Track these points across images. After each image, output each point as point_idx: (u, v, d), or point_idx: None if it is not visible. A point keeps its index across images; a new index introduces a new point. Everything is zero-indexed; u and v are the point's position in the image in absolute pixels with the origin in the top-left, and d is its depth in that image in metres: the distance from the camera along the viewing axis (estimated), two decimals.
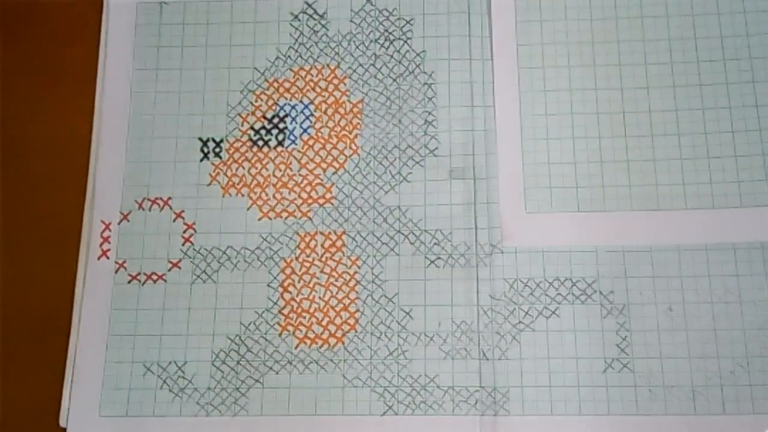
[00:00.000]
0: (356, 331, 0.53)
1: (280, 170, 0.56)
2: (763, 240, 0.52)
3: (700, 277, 0.52)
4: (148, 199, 0.56)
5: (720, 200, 0.53)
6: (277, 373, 0.53)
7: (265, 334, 0.53)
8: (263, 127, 0.57)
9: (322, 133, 0.57)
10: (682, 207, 0.53)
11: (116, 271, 0.55)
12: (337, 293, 0.54)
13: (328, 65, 0.58)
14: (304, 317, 0.54)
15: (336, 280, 0.54)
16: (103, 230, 0.56)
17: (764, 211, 0.53)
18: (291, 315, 0.54)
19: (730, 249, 0.53)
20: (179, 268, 0.55)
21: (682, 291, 0.52)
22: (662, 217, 0.53)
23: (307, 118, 0.57)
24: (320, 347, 0.53)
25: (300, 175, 0.56)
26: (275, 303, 0.54)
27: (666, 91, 0.55)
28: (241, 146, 0.57)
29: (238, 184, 0.56)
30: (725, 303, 0.52)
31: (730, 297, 0.52)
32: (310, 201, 0.56)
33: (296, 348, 0.53)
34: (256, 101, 0.57)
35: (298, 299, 0.54)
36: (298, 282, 0.54)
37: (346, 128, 0.57)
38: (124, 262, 0.55)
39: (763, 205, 0.53)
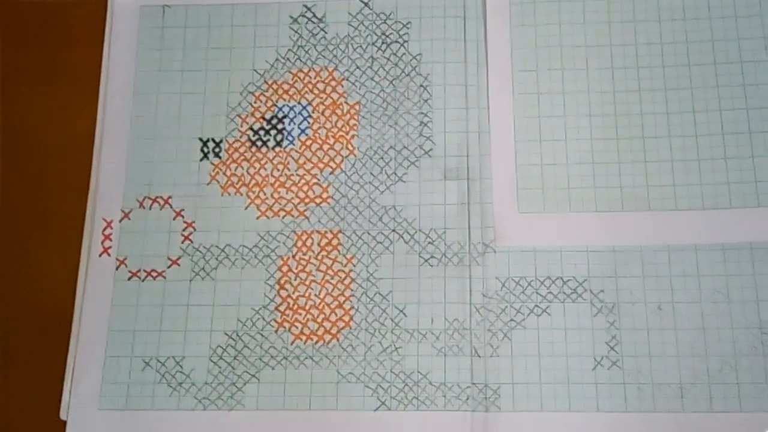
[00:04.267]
0: (351, 328, 0.54)
1: (278, 170, 0.57)
2: (752, 240, 0.53)
3: (690, 276, 0.53)
4: (149, 198, 0.57)
5: (710, 201, 0.54)
6: (272, 369, 0.54)
7: (262, 330, 0.54)
8: (262, 128, 0.58)
9: (319, 133, 0.58)
10: (673, 208, 0.54)
11: (117, 268, 0.56)
12: (332, 291, 0.55)
13: (326, 67, 0.59)
14: (300, 314, 0.55)
15: (331, 278, 0.55)
16: (105, 228, 0.57)
17: (753, 212, 0.54)
18: (287, 312, 0.55)
19: (720, 249, 0.53)
20: (178, 265, 0.56)
21: (672, 290, 0.53)
22: (653, 218, 0.54)
23: (305, 119, 0.58)
24: (315, 343, 0.54)
25: (297, 174, 0.57)
26: (272, 300, 0.55)
27: (657, 94, 0.56)
28: (240, 146, 0.58)
29: (236, 183, 0.57)
30: (714, 302, 0.53)
31: (718, 296, 0.53)
32: (307, 200, 0.57)
33: (292, 344, 0.54)
34: (255, 102, 0.59)
35: (294, 296, 0.55)
36: (295, 279, 0.55)
37: (343, 129, 0.58)
38: (125, 259, 0.56)
39: (752, 206, 0.54)
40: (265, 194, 0.57)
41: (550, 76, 0.57)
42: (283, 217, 0.56)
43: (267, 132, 0.58)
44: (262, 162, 0.57)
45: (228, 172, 0.57)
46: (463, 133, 0.57)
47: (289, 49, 0.59)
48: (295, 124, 0.58)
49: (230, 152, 0.58)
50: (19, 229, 0.58)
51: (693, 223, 0.54)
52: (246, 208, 0.57)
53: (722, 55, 0.56)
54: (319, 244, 0.56)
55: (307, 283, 0.55)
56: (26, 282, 0.57)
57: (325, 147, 0.57)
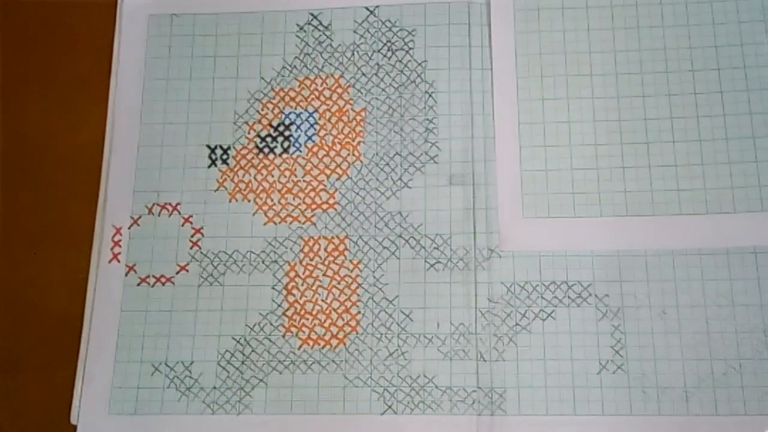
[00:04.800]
0: (357, 333, 0.55)
1: (285, 176, 0.58)
2: (756, 245, 0.53)
3: (694, 281, 0.53)
4: (158, 205, 0.58)
5: (714, 206, 0.54)
6: (280, 373, 0.54)
7: (269, 335, 0.55)
8: (269, 135, 0.59)
9: (326, 140, 0.58)
10: (677, 212, 0.54)
11: (126, 274, 0.57)
12: (339, 296, 0.55)
13: (332, 75, 0.60)
14: (307, 319, 0.55)
15: (338, 283, 0.56)
16: (114, 234, 0.57)
17: (757, 217, 0.54)
18: (294, 317, 0.55)
19: (724, 254, 0.54)
20: (187, 271, 0.56)
21: (676, 294, 0.53)
22: (657, 223, 0.54)
23: (312, 126, 0.59)
24: (322, 348, 0.54)
25: (304, 181, 0.58)
26: (279, 305, 0.55)
27: (661, 100, 0.56)
28: (248, 153, 0.58)
29: (244, 189, 0.58)
30: (718, 306, 0.53)
31: (722, 301, 0.53)
32: (313, 206, 0.57)
33: (299, 349, 0.55)
34: (262, 110, 0.59)
35: (301, 301, 0.55)
36: (302, 285, 0.56)
37: (350, 136, 0.58)
38: (134, 265, 0.57)
39: (755, 211, 0.54)
40: (272, 200, 0.57)
41: (554, 82, 0.58)
42: (290, 223, 0.57)
43: (274, 139, 0.59)
44: (270, 168, 0.58)
45: (236, 179, 0.58)
46: (468, 139, 0.57)
47: (295, 57, 0.60)
48: (301, 130, 0.59)
49: (238, 159, 0.58)
50: (28, 235, 0.58)
51: (697, 228, 0.54)
52: (253, 214, 0.57)
53: (726, 60, 0.57)
54: (325, 250, 0.56)
55: (314, 288, 0.56)
56: (36, 288, 0.57)
57: (332, 153, 0.58)
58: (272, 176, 0.58)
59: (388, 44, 0.60)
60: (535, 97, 0.57)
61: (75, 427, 0.54)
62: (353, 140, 0.58)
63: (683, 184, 0.55)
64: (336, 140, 0.58)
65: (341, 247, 0.56)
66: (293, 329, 0.55)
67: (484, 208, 0.56)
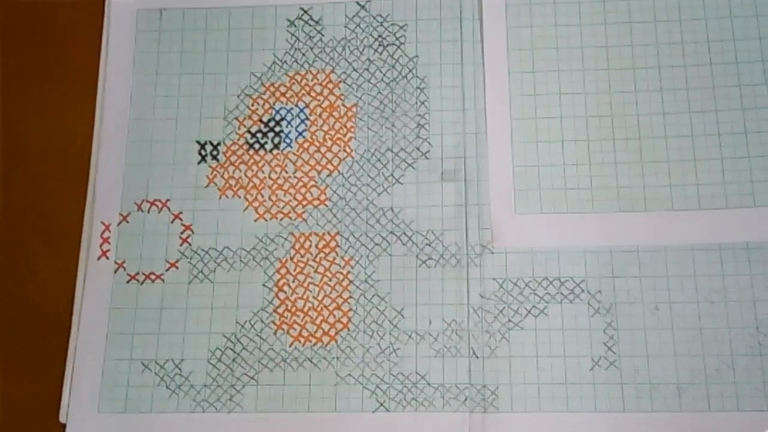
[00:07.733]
0: (349, 330, 0.54)
1: (276, 172, 0.57)
2: (749, 240, 0.53)
3: (687, 277, 0.53)
4: (147, 201, 0.57)
5: (706, 201, 0.54)
6: (271, 371, 0.54)
7: (260, 332, 0.55)
8: (259, 131, 0.58)
9: (317, 136, 0.58)
10: (669, 208, 0.54)
11: (115, 271, 0.56)
12: (330, 293, 0.55)
13: (323, 70, 0.59)
14: (298, 316, 0.55)
15: (330, 280, 0.55)
16: (103, 231, 0.57)
17: (749, 212, 0.54)
18: (285, 314, 0.55)
19: (716, 249, 0.53)
20: (177, 268, 0.56)
21: (669, 291, 0.53)
22: (649, 218, 0.54)
23: (303, 121, 0.58)
24: (314, 345, 0.54)
25: (295, 177, 0.57)
26: (270, 302, 0.55)
27: (653, 95, 0.56)
28: (238, 149, 0.58)
29: (234, 186, 0.57)
30: (711, 302, 0.53)
31: (715, 297, 0.53)
32: (304, 202, 0.57)
33: (290, 346, 0.54)
34: (252, 105, 0.59)
35: (292, 298, 0.55)
36: (293, 282, 0.55)
37: (341, 131, 0.58)
38: (124, 262, 0.56)
39: (748, 206, 0.54)
40: (262, 197, 0.57)
41: (546, 77, 0.57)
42: (281, 220, 0.57)
43: (264, 134, 0.58)
44: (260, 164, 0.58)
45: (226, 175, 0.58)
46: (459, 135, 0.57)
47: (286, 52, 0.60)
48: (292, 126, 0.58)
49: (228, 155, 0.58)
50: (17, 232, 0.58)
51: (690, 224, 0.54)
52: (244, 211, 0.57)
53: (718, 56, 0.56)
54: (317, 246, 0.56)
55: (306, 285, 0.55)
56: (25, 285, 0.57)
57: (323, 149, 0.58)
58: (263, 172, 0.57)
59: (379, 39, 0.59)
60: (527, 92, 0.57)
61: (64, 426, 0.54)
62: (344, 136, 0.58)
63: (675, 180, 0.55)
64: (327, 136, 0.58)
65: (332, 244, 0.56)
66: (284, 326, 0.55)
67: (476, 204, 0.56)
